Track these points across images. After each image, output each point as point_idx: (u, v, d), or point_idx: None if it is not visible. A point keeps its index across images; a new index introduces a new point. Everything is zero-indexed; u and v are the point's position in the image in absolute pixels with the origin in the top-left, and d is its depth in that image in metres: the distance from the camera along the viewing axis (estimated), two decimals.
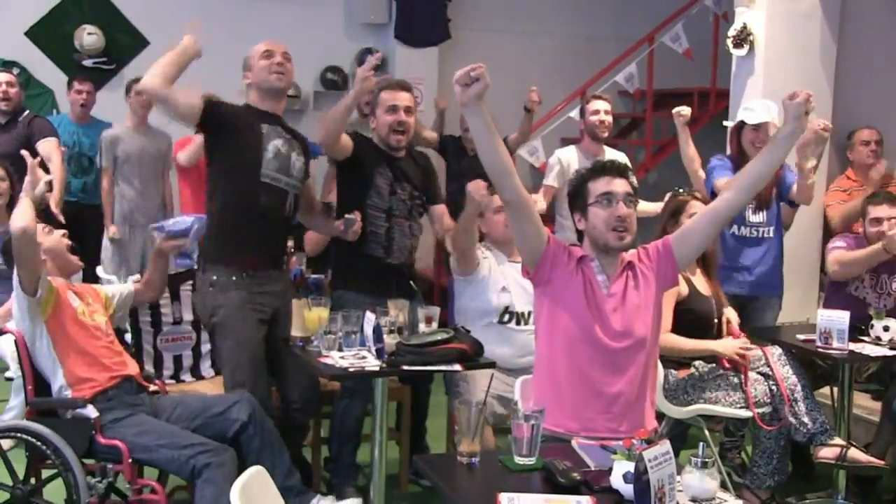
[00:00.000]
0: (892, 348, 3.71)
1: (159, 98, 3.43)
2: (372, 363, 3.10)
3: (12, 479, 3.18)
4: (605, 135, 5.18)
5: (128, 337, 3.97)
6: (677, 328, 3.62)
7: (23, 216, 3.15)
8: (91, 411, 3.15)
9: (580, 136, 5.51)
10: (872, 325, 3.80)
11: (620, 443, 2.24)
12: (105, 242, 5.92)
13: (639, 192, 2.94)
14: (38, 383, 3.28)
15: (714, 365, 3.70)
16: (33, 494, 3.17)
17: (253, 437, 3.23)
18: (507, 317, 3.78)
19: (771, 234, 4.37)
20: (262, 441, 3.24)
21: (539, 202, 4.60)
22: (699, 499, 2.10)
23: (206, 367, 4.07)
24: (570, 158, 5.17)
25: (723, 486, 2.29)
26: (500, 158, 2.66)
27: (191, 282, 3.95)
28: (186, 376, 4.04)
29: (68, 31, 7.08)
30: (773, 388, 3.67)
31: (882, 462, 3.64)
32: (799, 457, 4.18)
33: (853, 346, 3.67)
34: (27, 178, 3.39)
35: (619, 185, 2.82)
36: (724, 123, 4.92)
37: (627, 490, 2.08)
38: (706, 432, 3.60)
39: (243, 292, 3.50)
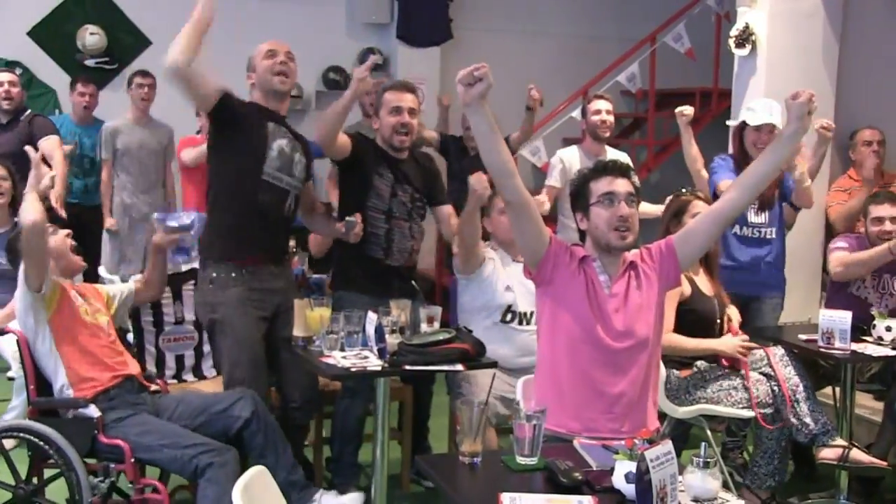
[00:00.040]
0: (894, 348, 3.70)
1: (181, 75, 3.34)
2: (374, 363, 3.10)
3: (14, 479, 3.18)
4: (607, 135, 5.18)
5: (130, 337, 3.98)
6: (680, 328, 3.62)
7: (33, 210, 3.17)
8: (93, 411, 3.15)
9: (582, 136, 5.51)
10: (875, 326, 3.80)
11: (622, 442, 2.24)
12: (105, 237, 5.92)
13: (641, 192, 2.94)
14: (39, 383, 3.28)
15: (715, 365, 3.70)
16: (35, 494, 3.18)
17: (256, 433, 3.23)
18: (509, 316, 3.78)
19: (773, 235, 4.37)
20: (265, 437, 3.25)
21: (544, 203, 4.59)
22: (701, 499, 2.10)
23: (207, 367, 4.07)
24: (571, 158, 5.17)
25: (725, 486, 2.29)
26: (501, 158, 2.66)
27: (193, 281, 3.96)
28: (188, 376, 4.04)
29: (70, 30, 7.08)
30: (775, 388, 3.67)
31: (884, 463, 3.64)
32: (801, 457, 4.18)
33: (855, 347, 3.66)
34: (32, 173, 3.40)
35: (621, 185, 2.82)
36: (727, 123, 4.92)
37: (629, 490, 2.08)
38: (708, 432, 3.60)
39: (242, 289, 3.50)
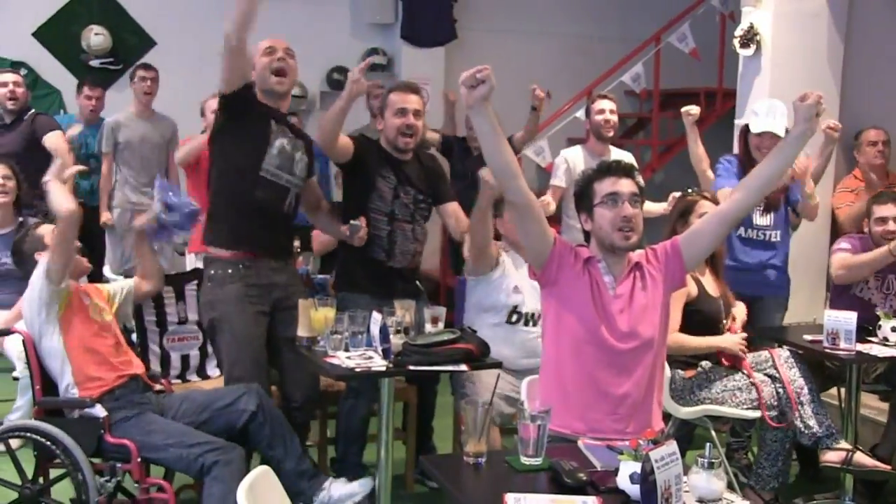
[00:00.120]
0: None
1: (230, 49, 3.35)
2: (378, 363, 3.10)
3: (21, 479, 3.19)
4: (611, 134, 5.17)
5: (133, 336, 3.99)
6: (686, 328, 3.61)
7: (67, 200, 3.23)
8: (99, 410, 3.16)
9: (586, 135, 5.50)
10: (880, 326, 3.79)
11: (627, 443, 2.24)
12: (107, 237, 5.92)
13: (645, 192, 2.94)
14: (44, 383, 3.29)
15: (719, 365, 3.70)
16: (42, 494, 3.19)
17: (262, 425, 3.25)
18: (514, 317, 3.78)
19: (778, 238, 4.36)
20: (271, 430, 3.26)
21: (550, 204, 4.59)
22: (706, 499, 2.10)
23: (211, 367, 4.07)
24: (575, 158, 5.17)
25: (729, 486, 2.28)
26: (505, 160, 2.66)
27: (195, 281, 3.96)
28: (192, 376, 4.05)
29: (75, 31, 7.11)
30: (780, 390, 3.66)
31: (888, 467, 3.63)
32: (806, 458, 4.17)
33: (861, 347, 3.66)
34: (57, 163, 3.42)
35: (625, 186, 2.81)
36: (736, 122, 4.91)
37: (634, 491, 2.08)
38: (713, 433, 3.59)
39: (240, 285, 3.50)
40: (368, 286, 3.81)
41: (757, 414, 3.60)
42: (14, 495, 3.19)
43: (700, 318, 3.66)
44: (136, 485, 3.19)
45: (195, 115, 5.50)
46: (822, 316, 3.78)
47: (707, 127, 7.00)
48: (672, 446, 2.04)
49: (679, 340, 3.57)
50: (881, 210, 4.14)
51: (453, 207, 4.01)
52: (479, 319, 3.79)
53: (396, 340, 3.18)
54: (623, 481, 2.13)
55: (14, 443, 3.32)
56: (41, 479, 3.21)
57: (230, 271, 3.51)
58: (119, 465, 3.12)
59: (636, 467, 2.08)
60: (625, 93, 7.59)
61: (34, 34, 7.05)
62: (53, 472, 3.21)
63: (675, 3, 7.64)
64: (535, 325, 3.74)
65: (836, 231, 5.14)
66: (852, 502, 3.84)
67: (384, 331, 3.15)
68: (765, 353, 3.79)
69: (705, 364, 3.69)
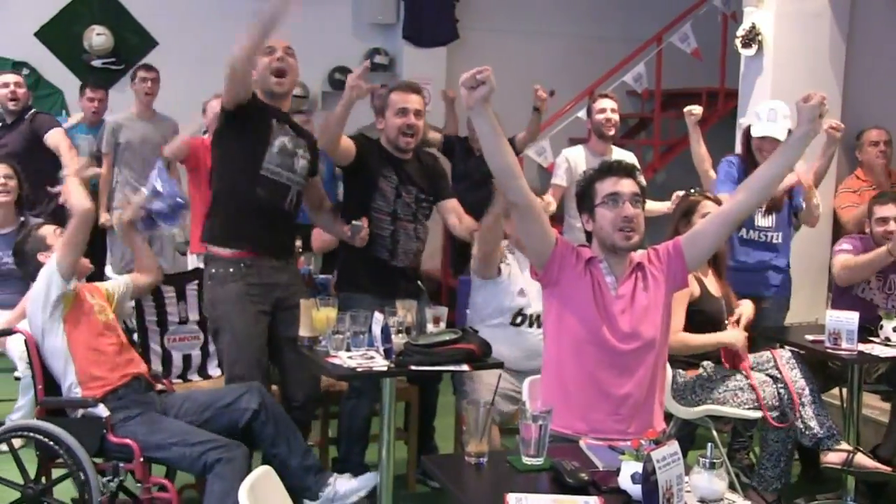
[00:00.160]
0: None
1: (236, 69, 3.37)
2: (380, 363, 3.10)
3: (23, 479, 3.19)
4: (612, 133, 5.17)
5: (134, 336, 3.99)
6: (688, 328, 3.60)
7: (84, 196, 3.29)
8: (102, 410, 3.16)
9: (587, 135, 5.50)
10: (882, 326, 3.79)
11: (628, 443, 2.24)
12: (108, 238, 5.92)
13: (647, 192, 2.93)
14: (47, 382, 3.29)
15: (720, 365, 3.70)
16: (44, 494, 3.19)
17: (266, 423, 3.25)
18: (519, 319, 3.78)
19: (779, 240, 4.35)
20: (275, 427, 3.26)
21: (551, 204, 4.59)
22: (707, 499, 2.10)
23: (212, 367, 4.08)
24: (577, 157, 5.16)
25: (731, 486, 2.28)
26: (506, 160, 2.66)
27: (196, 281, 3.96)
28: (194, 376, 4.05)
29: (77, 31, 7.11)
30: (782, 391, 3.66)
31: (888, 469, 3.62)
32: (808, 458, 4.17)
33: (862, 347, 3.65)
34: (78, 160, 3.45)
35: (626, 186, 2.81)
36: (740, 121, 4.91)
37: (636, 491, 2.08)
38: (714, 433, 3.59)
39: (240, 284, 3.50)
40: (370, 286, 3.81)
41: (758, 414, 3.60)
42: (17, 495, 3.19)
43: (702, 318, 3.66)
44: (138, 485, 3.19)
45: (197, 115, 5.50)
46: (824, 316, 3.78)
47: (709, 127, 7.00)
48: (674, 446, 2.04)
49: (682, 339, 3.57)
50: (882, 210, 4.14)
51: (453, 204, 4.01)
52: (484, 321, 3.79)
53: (398, 340, 3.18)
54: (625, 481, 2.13)
55: (16, 442, 3.32)
56: (43, 479, 3.21)
57: (231, 270, 3.51)
58: (121, 464, 3.12)
59: (638, 467, 2.07)
60: (627, 93, 7.59)
61: (36, 34, 7.06)
62: (56, 472, 3.21)
63: (676, 3, 7.64)
64: (539, 326, 3.73)
65: (837, 231, 5.14)
66: (854, 503, 3.84)
67: (386, 331, 3.15)
68: (766, 354, 3.79)
69: (707, 364, 3.68)
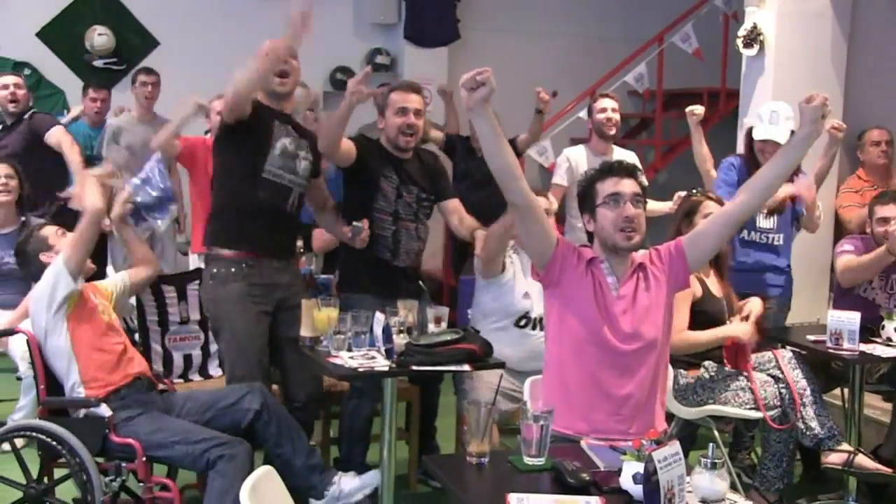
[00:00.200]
0: None
1: (239, 95, 3.41)
2: (381, 363, 3.10)
3: (26, 478, 3.19)
4: (613, 133, 5.17)
5: (136, 336, 3.99)
6: (689, 329, 3.60)
7: (99, 197, 3.32)
8: (105, 410, 3.16)
9: (588, 135, 5.50)
10: (884, 326, 3.78)
11: (630, 443, 2.24)
12: (110, 240, 5.91)
13: (648, 192, 2.93)
14: (49, 382, 3.29)
15: (722, 365, 3.69)
16: (46, 493, 3.19)
17: (268, 424, 3.25)
18: (523, 321, 3.77)
19: (780, 242, 4.34)
20: (278, 427, 3.26)
21: (553, 203, 4.58)
22: (709, 500, 2.10)
23: (213, 367, 4.09)
24: (578, 157, 5.16)
25: (733, 487, 2.28)
26: (506, 161, 2.65)
27: (198, 281, 3.97)
28: (195, 376, 4.06)
29: (79, 31, 7.12)
30: (783, 391, 3.66)
31: (889, 470, 3.61)
32: (810, 459, 4.17)
33: (864, 347, 3.65)
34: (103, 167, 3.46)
35: (627, 186, 2.81)
36: (745, 121, 4.91)
37: (637, 491, 2.08)
38: (716, 433, 3.59)
39: (242, 284, 3.50)
40: (372, 286, 3.81)
41: (760, 414, 3.60)
42: (19, 495, 3.20)
43: (704, 318, 3.65)
44: (140, 484, 3.19)
45: (185, 101, 5.49)
46: (826, 316, 3.77)
47: (710, 127, 7.00)
48: (675, 447, 2.03)
49: (686, 338, 3.55)
50: (883, 210, 4.13)
51: (454, 204, 4.01)
52: (488, 321, 3.79)
53: (399, 340, 3.19)
54: (626, 481, 2.13)
55: (18, 442, 3.33)
56: (46, 479, 3.21)
57: (233, 270, 3.51)
58: (124, 464, 3.13)
59: (639, 467, 2.07)
60: (628, 93, 7.59)
61: (38, 34, 7.06)
62: (58, 472, 3.21)
63: (678, 3, 7.64)
64: (542, 329, 3.73)
65: (839, 232, 5.14)
66: (856, 503, 3.83)
67: (387, 331, 3.16)
68: (768, 354, 3.78)
69: (709, 364, 3.68)
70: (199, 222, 5.05)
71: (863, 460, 3.56)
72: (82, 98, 6.18)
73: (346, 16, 7.75)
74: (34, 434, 3.17)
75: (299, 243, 4.35)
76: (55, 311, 3.23)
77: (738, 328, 3.65)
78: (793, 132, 3.93)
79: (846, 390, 3.97)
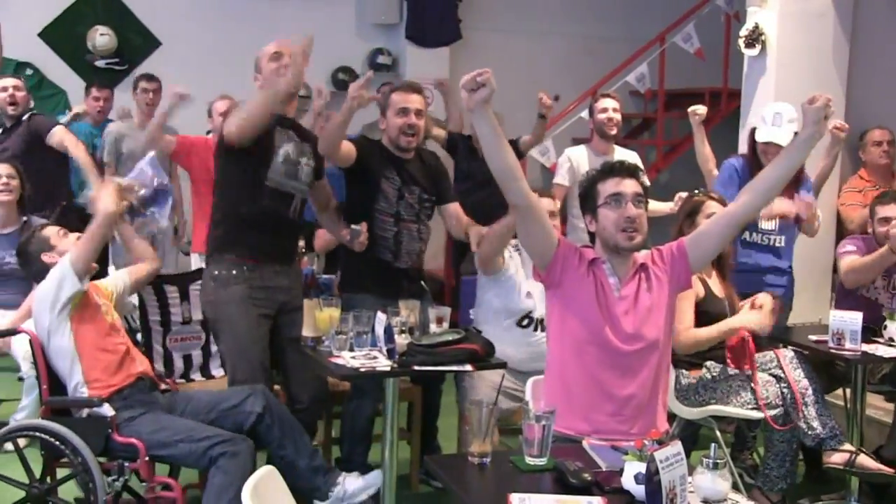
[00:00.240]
0: None
1: (231, 139, 3.43)
2: (383, 363, 3.11)
3: (29, 478, 3.20)
4: (614, 133, 5.17)
5: (138, 336, 3.99)
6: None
7: (114, 202, 3.35)
8: (107, 410, 3.17)
9: (590, 135, 5.50)
10: (886, 327, 3.78)
11: (632, 443, 2.24)
12: (111, 246, 5.90)
13: (650, 192, 2.93)
14: (51, 382, 3.30)
15: (724, 365, 3.69)
16: (49, 493, 3.19)
17: (271, 426, 3.25)
18: (525, 321, 3.77)
19: (782, 243, 4.34)
20: (281, 430, 3.26)
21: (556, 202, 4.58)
22: (711, 500, 2.10)
23: (215, 366, 4.08)
24: (579, 157, 5.17)
25: (735, 487, 2.28)
26: (506, 162, 2.65)
27: (200, 281, 3.96)
28: (196, 375, 4.06)
29: (81, 32, 7.13)
30: (785, 390, 3.65)
31: (891, 470, 3.61)
32: (812, 459, 4.17)
33: (866, 348, 3.65)
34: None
35: (629, 186, 2.81)
36: (749, 120, 4.90)
37: (639, 491, 2.08)
38: (717, 433, 3.58)
39: (244, 286, 3.50)
40: (373, 287, 3.81)
41: (762, 415, 3.59)
42: (22, 494, 3.20)
43: (706, 318, 3.64)
44: (142, 484, 3.20)
45: (200, 115, 5.50)
46: (828, 316, 3.77)
47: (712, 127, 6.98)
48: (677, 447, 2.04)
49: (694, 335, 3.53)
50: (885, 210, 4.13)
51: (455, 208, 4.02)
52: (491, 320, 3.79)
53: (401, 340, 3.19)
54: (628, 482, 2.13)
55: (21, 442, 3.33)
56: (48, 479, 3.22)
57: (234, 273, 3.52)
58: (126, 463, 3.13)
59: (641, 468, 2.08)
60: (630, 93, 7.60)
61: (40, 34, 7.07)
62: (60, 472, 3.21)
63: (679, 3, 7.64)
64: (543, 330, 3.74)
65: (841, 232, 5.13)
66: (858, 503, 3.83)
67: (389, 331, 3.16)
68: (770, 353, 3.78)
69: (710, 364, 3.68)
70: (200, 221, 5.05)
71: (865, 460, 3.56)
72: (85, 97, 6.18)
73: (347, 16, 7.76)
74: (37, 434, 3.17)
75: (301, 243, 4.35)
76: (59, 311, 3.23)
77: (744, 318, 3.56)
78: (796, 134, 3.93)
79: (848, 391, 3.97)
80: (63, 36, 7.11)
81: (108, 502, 3.08)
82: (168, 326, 4.00)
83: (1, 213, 4.60)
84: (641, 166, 4.28)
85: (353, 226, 3.73)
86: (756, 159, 4.25)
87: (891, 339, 3.74)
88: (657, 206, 4.72)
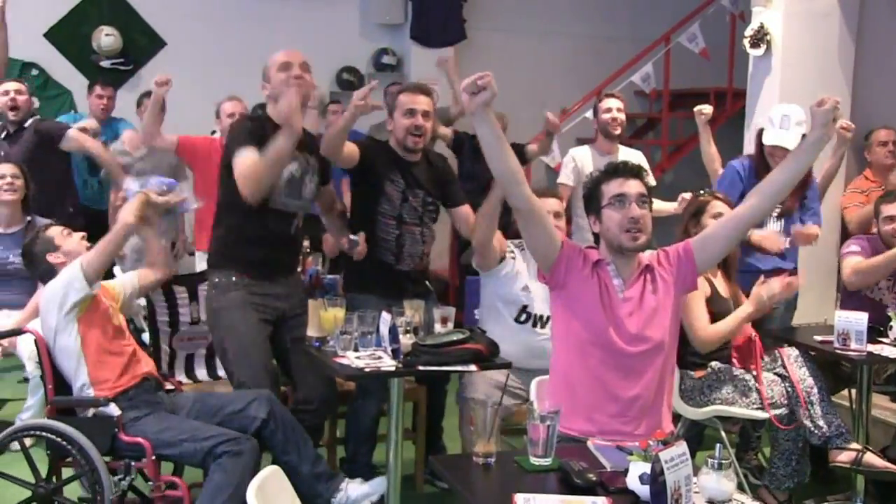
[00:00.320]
0: None
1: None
2: (388, 363, 3.11)
3: (35, 477, 3.20)
4: (618, 132, 5.17)
5: (145, 336, 4.00)
6: None
7: (134, 214, 3.36)
8: (114, 409, 3.17)
9: (594, 135, 5.50)
10: (891, 327, 3.77)
11: (637, 444, 2.24)
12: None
13: (653, 193, 2.93)
14: (56, 382, 3.30)
15: (728, 365, 3.69)
16: (55, 493, 3.20)
17: (275, 432, 3.25)
18: (523, 317, 3.77)
19: (787, 245, 4.33)
20: (284, 435, 3.27)
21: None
22: (716, 500, 2.10)
23: (221, 367, 4.08)
24: (584, 157, 5.17)
25: (740, 487, 2.28)
26: (507, 166, 2.66)
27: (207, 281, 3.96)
28: (202, 375, 4.06)
29: (86, 32, 7.14)
30: (790, 389, 3.65)
31: None
32: (818, 459, 4.16)
33: (871, 348, 3.64)
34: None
35: (632, 187, 2.81)
36: (755, 121, 4.90)
37: (644, 491, 2.08)
38: (722, 433, 3.58)
39: (243, 292, 3.51)
40: (376, 288, 3.82)
41: (766, 415, 3.59)
42: (28, 493, 3.20)
43: (711, 319, 3.64)
44: (148, 483, 3.20)
45: (205, 115, 5.51)
46: (833, 316, 3.77)
47: (717, 127, 6.96)
48: (682, 447, 2.04)
49: (716, 330, 3.52)
50: (889, 209, 4.13)
51: (465, 210, 4.00)
52: (491, 316, 3.80)
53: (406, 340, 3.19)
54: (633, 482, 2.13)
55: (26, 441, 3.33)
56: (54, 479, 3.22)
57: (234, 279, 3.53)
58: (133, 463, 3.14)
59: (646, 468, 2.08)
60: (634, 93, 7.59)
61: (45, 35, 7.08)
62: (66, 472, 3.22)
63: (685, 3, 7.64)
64: (542, 327, 3.74)
65: (846, 231, 5.13)
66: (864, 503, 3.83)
67: (393, 331, 3.16)
68: (774, 353, 3.78)
69: (715, 364, 3.68)
70: (204, 220, 5.05)
71: (872, 459, 3.55)
72: (88, 95, 6.17)
73: (352, 16, 7.76)
74: (43, 433, 3.18)
75: (306, 243, 4.36)
76: (66, 312, 3.23)
77: (755, 303, 3.54)
78: (804, 136, 3.92)
79: (854, 391, 3.96)
80: (68, 36, 7.13)
81: (114, 502, 3.09)
82: (176, 327, 4.01)
83: (5, 212, 4.60)
84: (647, 165, 4.29)
85: (352, 236, 3.76)
86: (763, 161, 4.24)
87: None
88: (661, 206, 4.71)
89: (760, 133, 4.33)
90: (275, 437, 3.25)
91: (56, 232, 3.49)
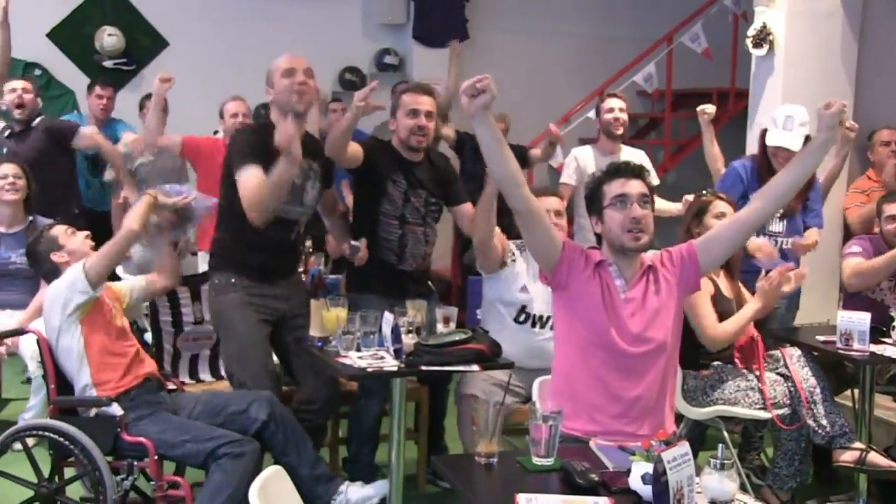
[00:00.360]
0: None
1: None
2: (390, 363, 3.11)
3: (37, 477, 3.21)
4: (620, 132, 5.17)
5: (147, 336, 4.00)
6: None
7: (139, 220, 3.37)
8: (116, 409, 3.18)
9: (597, 135, 5.51)
10: (894, 327, 3.77)
11: (639, 444, 2.24)
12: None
13: (655, 193, 2.93)
14: (59, 382, 3.31)
15: (731, 365, 3.69)
16: (58, 493, 3.20)
17: (275, 433, 3.26)
18: (522, 317, 3.77)
19: (789, 245, 4.33)
20: (284, 436, 3.27)
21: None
22: (718, 500, 2.10)
23: (224, 367, 4.08)
24: (586, 157, 5.17)
25: (742, 487, 2.28)
26: (507, 169, 2.66)
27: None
28: (206, 376, 4.06)
29: (89, 32, 7.15)
30: (792, 389, 3.65)
31: None
32: (821, 459, 4.16)
33: (874, 348, 3.64)
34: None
35: (634, 187, 2.81)
36: (758, 121, 4.90)
37: (646, 491, 2.08)
38: (725, 433, 3.58)
39: (243, 293, 3.52)
40: (379, 288, 3.82)
41: (769, 414, 3.59)
42: (30, 493, 3.21)
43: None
44: (150, 483, 3.20)
45: (208, 115, 5.51)
46: (836, 317, 3.76)
47: (719, 127, 6.97)
48: (684, 447, 2.03)
49: (725, 329, 3.52)
50: (891, 209, 4.12)
51: (467, 208, 4.00)
52: (491, 315, 3.80)
53: (408, 340, 3.19)
54: (635, 482, 2.13)
55: (29, 441, 3.34)
56: (57, 478, 3.23)
57: (233, 280, 3.53)
58: (136, 462, 3.14)
59: (648, 468, 2.08)
60: (637, 93, 7.58)
61: (48, 35, 7.09)
62: (68, 472, 3.22)
63: (687, 3, 7.63)
64: (542, 327, 3.74)
65: (848, 232, 5.12)
66: None
67: (396, 331, 3.16)
68: (776, 353, 3.77)
69: (718, 364, 3.68)
70: (206, 220, 5.04)
71: (876, 458, 3.55)
72: (88, 95, 6.17)
73: (354, 16, 7.77)
74: (46, 433, 3.18)
75: (308, 243, 4.36)
76: (70, 314, 3.24)
77: (760, 299, 3.55)
78: (807, 137, 3.92)
79: (856, 391, 3.96)
80: (71, 36, 7.14)
81: (117, 502, 3.09)
82: (180, 327, 4.01)
83: (7, 212, 4.60)
84: (650, 165, 4.29)
85: (352, 242, 3.76)
86: (766, 162, 4.24)
87: None
88: (664, 206, 4.71)
89: (764, 134, 4.33)
90: (275, 438, 3.26)
91: (60, 231, 3.50)
